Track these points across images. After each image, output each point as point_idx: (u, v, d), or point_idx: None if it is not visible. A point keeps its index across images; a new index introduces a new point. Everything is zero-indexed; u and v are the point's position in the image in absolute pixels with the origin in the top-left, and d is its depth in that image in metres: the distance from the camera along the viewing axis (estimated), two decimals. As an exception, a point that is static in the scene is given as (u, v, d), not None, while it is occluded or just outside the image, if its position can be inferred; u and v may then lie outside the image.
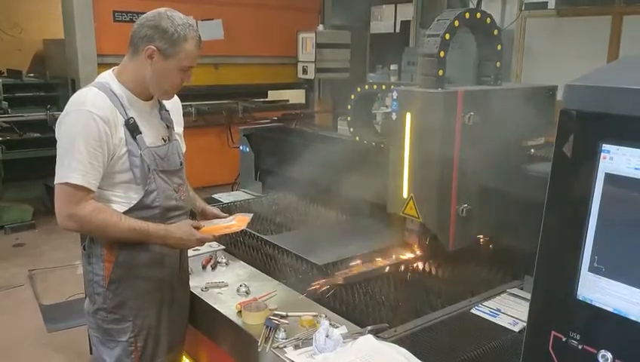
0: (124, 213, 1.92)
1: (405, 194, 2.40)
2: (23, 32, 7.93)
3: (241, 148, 3.99)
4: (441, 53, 2.27)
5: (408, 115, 2.33)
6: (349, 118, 3.16)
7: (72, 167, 1.81)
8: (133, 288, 1.99)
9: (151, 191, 1.96)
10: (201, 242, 2.09)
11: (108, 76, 1.98)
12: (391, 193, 2.50)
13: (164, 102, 2.14)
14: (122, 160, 1.91)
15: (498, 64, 2.53)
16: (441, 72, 2.28)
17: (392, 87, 2.51)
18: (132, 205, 1.94)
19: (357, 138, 3.12)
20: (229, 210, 3.08)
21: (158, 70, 1.92)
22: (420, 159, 2.34)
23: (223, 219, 2.25)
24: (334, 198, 3.21)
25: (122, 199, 1.94)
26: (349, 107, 3.12)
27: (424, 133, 2.30)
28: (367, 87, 3.06)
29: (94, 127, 1.82)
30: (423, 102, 2.30)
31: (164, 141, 2.06)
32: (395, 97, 2.39)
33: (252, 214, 2.32)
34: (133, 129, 1.92)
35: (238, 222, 2.20)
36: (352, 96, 3.08)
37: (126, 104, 1.94)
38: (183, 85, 2.07)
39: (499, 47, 2.52)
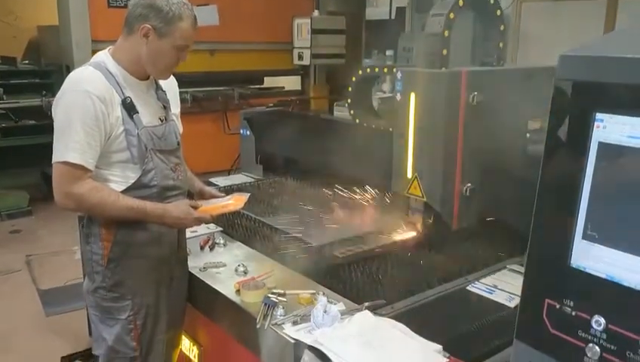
0: (122, 192, 1.93)
1: (410, 174, 2.42)
2: (17, 19, 7.88)
3: (241, 131, 4.03)
4: (446, 33, 2.29)
5: (413, 95, 2.35)
6: (349, 101, 3.16)
7: (70, 146, 1.82)
8: (131, 267, 2.01)
9: (148, 171, 1.97)
10: (199, 221, 2.10)
11: (104, 55, 1.99)
12: (395, 173, 2.52)
13: (161, 82, 2.15)
14: (119, 139, 1.92)
15: (501, 44, 2.55)
16: (445, 52, 2.29)
17: (395, 69, 2.52)
18: (129, 184, 1.95)
19: (357, 120, 3.13)
20: (227, 193, 3.10)
21: (153, 49, 1.92)
22: (424, 139, 2.37)
23: (220, 199, 2.27)
24: (333, 180, 3.23)
25: (120, 178, 1.95)
26: (350, 89, 3.12)
27: (428, 113, 2.33)
28: (368, 69, 3.07)
29: (91, 106, 1.83)
30: (428, 82, 2.32)
31: (161, 121, 2.07)
32: (399, 77, 2.41)
33: (249, 194, 2.34)
34: (129, 108, 1.93)
35: (235, 202, 2.21)
36: (353, 78, 3.09)
37: (122, 83, 1.94)
38: (178, 69, 2.07)
39: (502, 27, 2.53)
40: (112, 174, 1.95)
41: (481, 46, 2.58)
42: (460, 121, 2.29)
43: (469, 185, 2.37)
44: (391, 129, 2.62)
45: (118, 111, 1.90)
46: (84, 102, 1.82)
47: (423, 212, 2.51)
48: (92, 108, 1.83)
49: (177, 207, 2.01)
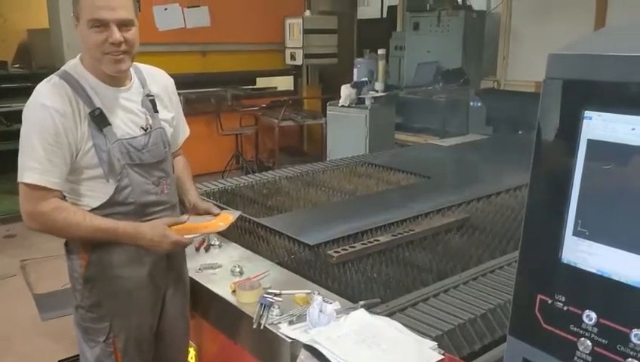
0: (98, 208, 1.80)
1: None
2: (7, 22, 7.86)
3: (472, 103, 5.41)
4: None
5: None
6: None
7: (28, 165, 1.70)
8: (109, 288, 1.87)
9: (123, 188, 1.82)
10: (177, 246, 1.89)
11: (74, 62, 1.83)
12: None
13: (152, 85, 1.98)
14: (89, 154, 1.77)
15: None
16: None
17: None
18: (104, 201, 1.81)
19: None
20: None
21: (81, 38, 1.75)
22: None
23: (207, 216, 2.13)
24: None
25: (95, 193, 1.81)
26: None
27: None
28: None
29: (49, 120, 1.69)
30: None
31: (144, 130, 1.89)
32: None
33: (239, 213, 2.26)
34: (98, 121, 1.76)
35: (221, 221, 2.11)
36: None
37: (91, 93, 1.78)
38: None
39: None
40: (88, 189, 1.81)
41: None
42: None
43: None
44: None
45: (85, 125, 1.75)
46: (42, 118, 1.69)
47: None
48: (50, 123, 1.68)
49: (153, 228, 1.83)
